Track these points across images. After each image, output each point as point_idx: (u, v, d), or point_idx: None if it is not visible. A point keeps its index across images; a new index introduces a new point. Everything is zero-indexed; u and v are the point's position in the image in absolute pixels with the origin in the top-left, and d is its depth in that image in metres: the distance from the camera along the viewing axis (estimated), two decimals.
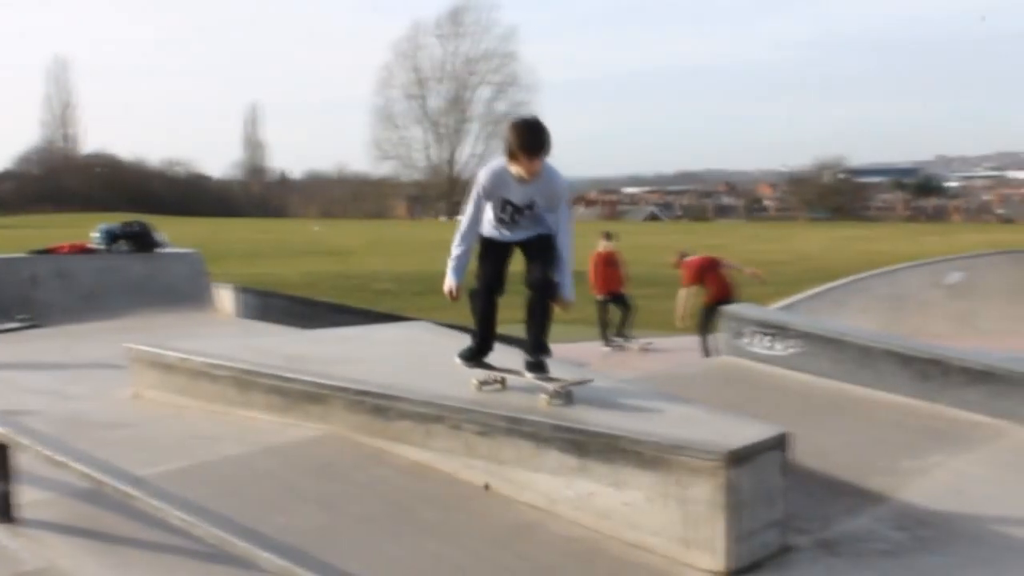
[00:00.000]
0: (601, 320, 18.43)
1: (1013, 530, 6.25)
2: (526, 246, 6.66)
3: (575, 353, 14.80)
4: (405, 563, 5.52)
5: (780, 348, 10.34)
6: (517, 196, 6.45)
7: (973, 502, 6.84)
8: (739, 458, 5.62)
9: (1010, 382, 8.84)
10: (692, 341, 16.61)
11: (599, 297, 18.38)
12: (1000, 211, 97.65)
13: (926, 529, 6.36)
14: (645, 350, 18.29)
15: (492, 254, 6.72)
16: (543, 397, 6.53)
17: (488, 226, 6.68)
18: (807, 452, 6.99)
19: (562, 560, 5.70)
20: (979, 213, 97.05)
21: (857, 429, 8.53)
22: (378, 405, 7.06)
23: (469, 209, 6.60)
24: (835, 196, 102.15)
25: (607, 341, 18.29)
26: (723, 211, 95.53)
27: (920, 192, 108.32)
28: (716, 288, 16.61)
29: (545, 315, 6.68)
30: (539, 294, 6.61)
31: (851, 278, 19.37)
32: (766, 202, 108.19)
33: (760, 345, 10.47)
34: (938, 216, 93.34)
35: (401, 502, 6.26)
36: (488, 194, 6.52)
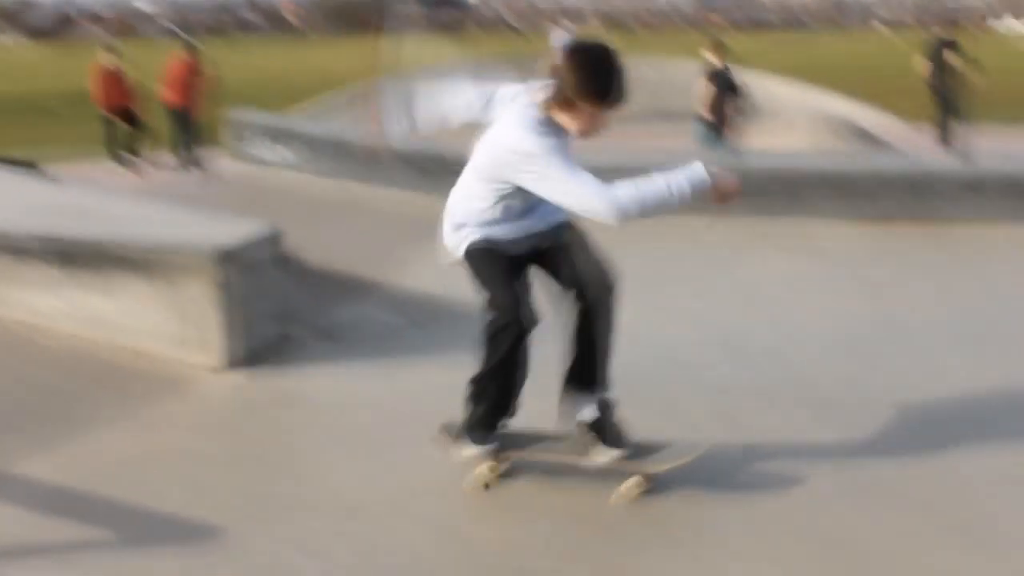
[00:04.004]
0: (109, 138, 17.56)
1: None
2: (552, 243, 4.16)
3: (86, 173, 14.09)
4: None
5: (287, 153, 10.40)
6: None
7: (456, 287, 7.29)
8: (229, 255, 5.66)
9: None
10: (204, 155, 16.24)
11: (104, 114, 17.47)
12: (512, 24, 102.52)
13: (417, 311, 6.77)
14: (158, 167, 17.70)
15: (505, 265, 4.11)
16: (630, 485, 4.16)
17: (479, 223, 4.19)
18: (312, 250, 7.16)
19: (52, 372, 5.53)
20: (493, 25, 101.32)
21: (359, 226, 8.82)
22: None
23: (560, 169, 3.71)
24: (353, 13, 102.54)
25: (118, 159, 17.51)
26: (245, 27, 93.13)
27: (438, 5, 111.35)
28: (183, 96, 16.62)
29: (609, 333, 4.14)
30: (601, 296, 4.08)
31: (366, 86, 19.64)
32: (290, 18, 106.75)
33: (266, 150, 10.46)
34: (454, 28, 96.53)
35: None
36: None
